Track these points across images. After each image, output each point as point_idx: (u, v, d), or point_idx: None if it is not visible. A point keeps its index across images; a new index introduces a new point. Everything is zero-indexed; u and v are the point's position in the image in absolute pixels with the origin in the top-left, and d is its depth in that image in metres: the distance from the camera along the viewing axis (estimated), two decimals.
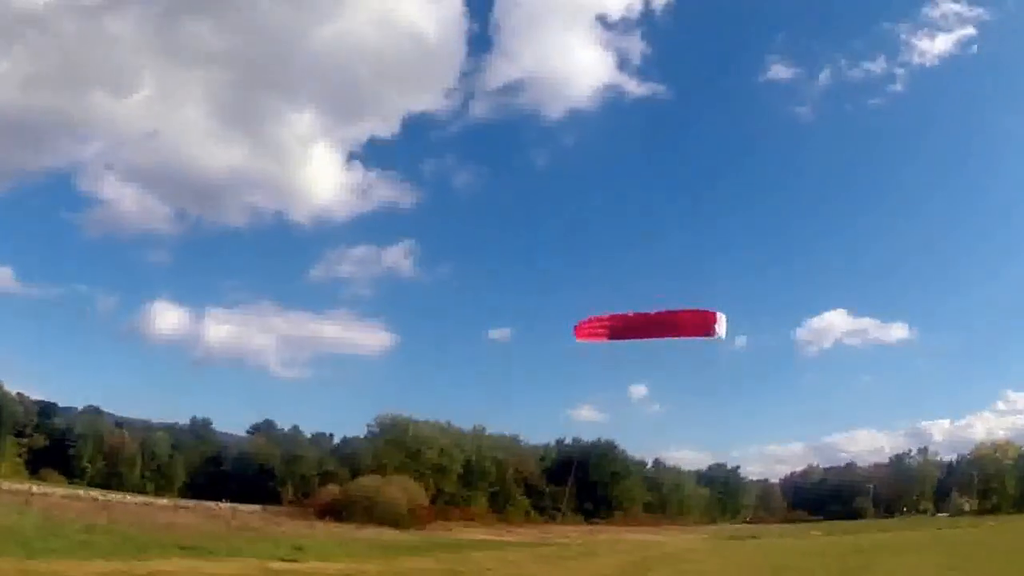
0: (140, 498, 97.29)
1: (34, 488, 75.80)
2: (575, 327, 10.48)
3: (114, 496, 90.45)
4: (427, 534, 77.38)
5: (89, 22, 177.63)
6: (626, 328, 9.98)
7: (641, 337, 10.08)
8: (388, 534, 69.32)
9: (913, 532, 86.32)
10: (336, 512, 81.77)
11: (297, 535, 55.88)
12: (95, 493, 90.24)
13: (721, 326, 7.64)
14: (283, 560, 36.76)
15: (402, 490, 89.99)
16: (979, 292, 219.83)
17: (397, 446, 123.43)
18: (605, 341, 10.23)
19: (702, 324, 9.20)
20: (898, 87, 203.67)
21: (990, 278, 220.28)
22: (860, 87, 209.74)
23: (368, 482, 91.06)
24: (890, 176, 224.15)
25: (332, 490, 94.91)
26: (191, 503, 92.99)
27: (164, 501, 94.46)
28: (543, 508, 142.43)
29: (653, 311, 8.31)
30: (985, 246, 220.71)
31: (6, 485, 76.07)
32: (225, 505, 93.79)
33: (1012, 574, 29.50)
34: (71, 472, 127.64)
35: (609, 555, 52.52)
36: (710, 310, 8.12)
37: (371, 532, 68.99)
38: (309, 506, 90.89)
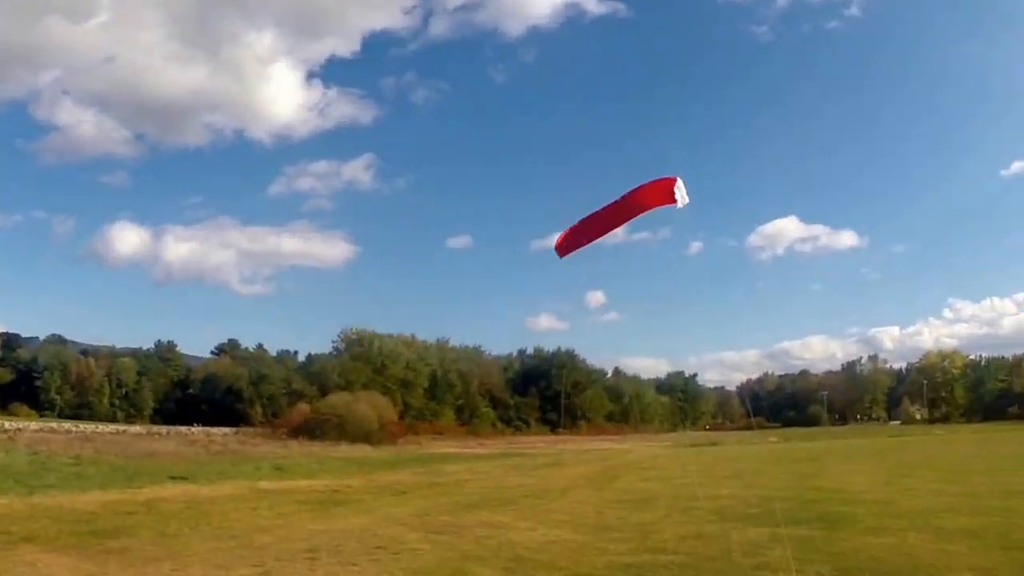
0: (112, 427, 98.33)
1: (7, 424, 76.48)
2: (555, 247, 10.03)
3: (86, 427, 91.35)
4: (399, 449, 79.85)
5: None
6: (598, 223, 9.65)
7: (615, 226, 9.73)
8: (361, 450, 71.35)
9: (864, 440, 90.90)
10: (308, 431, 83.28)
11: (275, 455, 57.59)
12: (68, 425, 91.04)
13: (681, 190, 7.49)
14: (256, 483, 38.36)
15: (371, 406, 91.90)
16: (928, 202, 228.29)
17: (363, 362, 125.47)
18: (586, 246, 9.84)
19: (665, 191, 9.12)
20: (854, 11, 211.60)
21: (938, 189, 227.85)
22: (818, 9, 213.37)
23: (338, 400, 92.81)
24: (844, 92, 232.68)
25: (303, 409, 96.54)
26: (163, 429, 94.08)
27: (137, 428, 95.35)
28: (509, 420, 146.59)
29: (615, 199, 8.20)
30: (934, 158, 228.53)
31: None
32: (197, 429, 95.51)
33: (948, 480, 32.17)
34: (40, 405, 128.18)
35: (577, 464, 54.97)
36: (667, 176, 9.63)
37: (345, 449, 70.84)
38: (281, 426, 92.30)
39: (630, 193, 9.57)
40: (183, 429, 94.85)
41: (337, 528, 20.92)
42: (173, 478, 36.82)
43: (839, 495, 26.06)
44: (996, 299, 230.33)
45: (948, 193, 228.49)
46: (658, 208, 9.78)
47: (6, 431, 65.59)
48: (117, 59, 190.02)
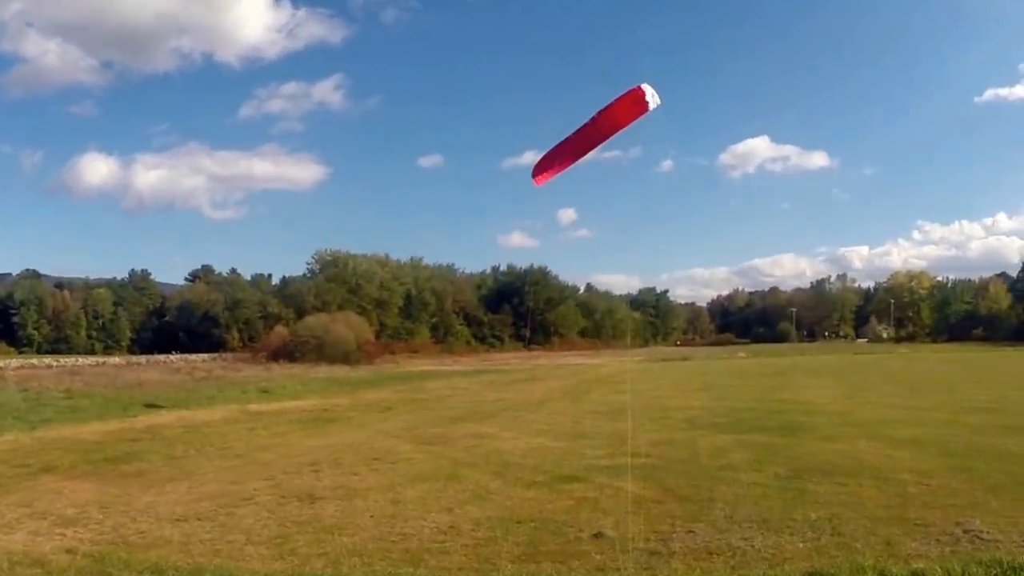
0: (92, 359, 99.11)
1: None
2: (532, 175, 9.56)
3: (67, 360, 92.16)
4: (377, 368, 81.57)
5: None
6: (575, 147, 9.36)
7: (591, 148, 9.36)
8: (341, 370, 73.00)
9: (830, 356, 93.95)
10: (288, 354, 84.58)
11: (258, 379, 59.02)
12: (49, 360, 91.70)
13: (650, 94, 7.42)
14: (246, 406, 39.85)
15: (348, 327, 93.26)
16: (900, 126, 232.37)
17: (338, 283, 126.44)
18: (566, 170, 9.55)
19: (636, 101, 8.69)
20: None
21: (911, 113, 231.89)
22: None
23: (315, 321, 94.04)
24: (818, 11, 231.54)
25: (281, 332, 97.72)
26: (144, 359, 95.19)
27: (118, 359, 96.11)
28: (483, 337, 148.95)
29: (587, 121, 8.28)
30: (907, 82, 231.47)
31: None
32: (177, 357, 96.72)
33: (903, 395, 34.22)
34: (18, 341, 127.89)
35: (551, 379, 56.89)
36: (632, 88, 8.00)
37: (325, 370, 72.42)
38: (260, 350, 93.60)
39: (603, 113, 9.27)
40: (163, 358, 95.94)
41: (333, 443, 22.44)
42: (165, 405, 38.16)
43: (801, 407, 28.02)
44: (965, 222, 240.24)
45: (921, 117, 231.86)
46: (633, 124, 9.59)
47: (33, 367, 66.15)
48: None
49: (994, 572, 7.99)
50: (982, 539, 9.61)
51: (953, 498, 11.98)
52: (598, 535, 10.49)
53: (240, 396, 44.19)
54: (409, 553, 10.12)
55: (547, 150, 9.76)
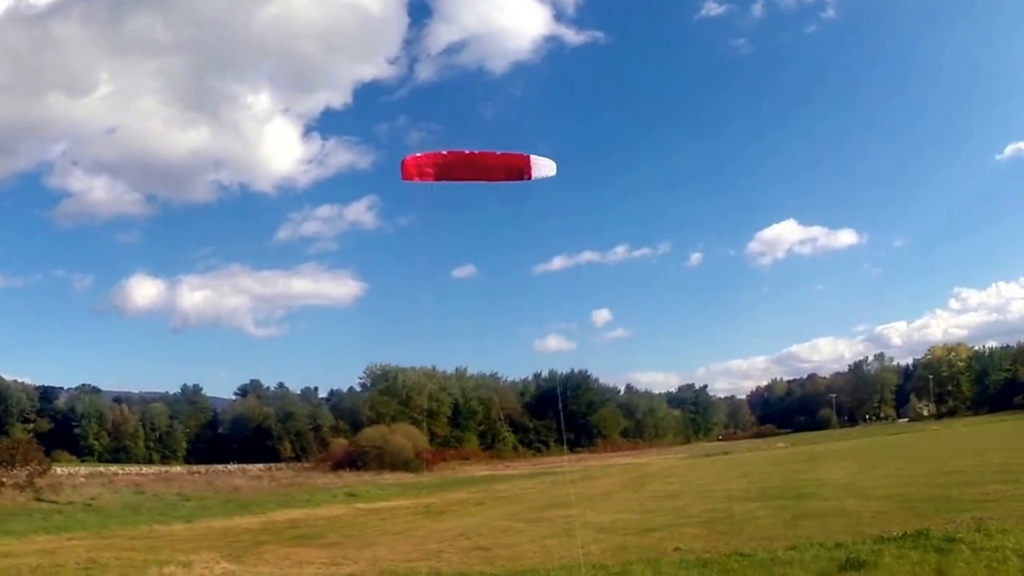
0: (153, 468, 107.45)
1: (81, 471, 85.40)
2: (402, 167, 10.99)
3: (130, 469, 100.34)
4: (438, 474, 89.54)
5: (36, 29, 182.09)
6: (449, 166, 10.51)
7: (464, 178, 10.71)
8: (405, 477, 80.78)
9: (863, 440, 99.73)
10: (351, 463, 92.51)
11: (335, 485, 66.96)
12: (115, 468, 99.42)
13: (539, 168, 10.84)
14: (351, 505, 47.88)
15: (406, 437, 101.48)
16: (924, 194, 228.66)
17: (390, 395, 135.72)
18: (431, 181, 10.71)
19: (517, 166, 10.32)
20: (831, 13, 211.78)
21: (933, 180, 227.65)
22: (794, 16, 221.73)
23: (375, 433, 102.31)
24: (829, 93, 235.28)
25: (341, 443, 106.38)
26: (202, 468, 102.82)
27: (179, 469, 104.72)
28: (529, 442, 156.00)
29: (475, 151, 11.01)
30: (926, 149, 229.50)
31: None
32: (234, 467, 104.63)
33: (904, 467, 41.46)
34: (79, 451, 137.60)
35: (605, 477, 64.36)
36: (524, 154, 10.86)
37: (391, 477, 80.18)
38: (324, 459, 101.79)
39: (488, 154, 10.64)
40: (221, 467, 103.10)
41: (459, 525, 30.66)
42: (289, 506, 46.37)
43: (815, 482, 35.78)
44: (1002, 284, 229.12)
45: (944, 183, 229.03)
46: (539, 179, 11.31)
47: (88, 476, 74.33)
48: (121, 128, 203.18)
49: (839, 556, 15.49)
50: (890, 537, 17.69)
51: (889, 523, 19.96)
52: (677, 549, 18.73)
53: (331, 499, 52.33)
54: (565, 569, 18.24)
55: (430, 154, 11.32)
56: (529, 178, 11.01)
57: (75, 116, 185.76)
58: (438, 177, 11.31)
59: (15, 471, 50.73)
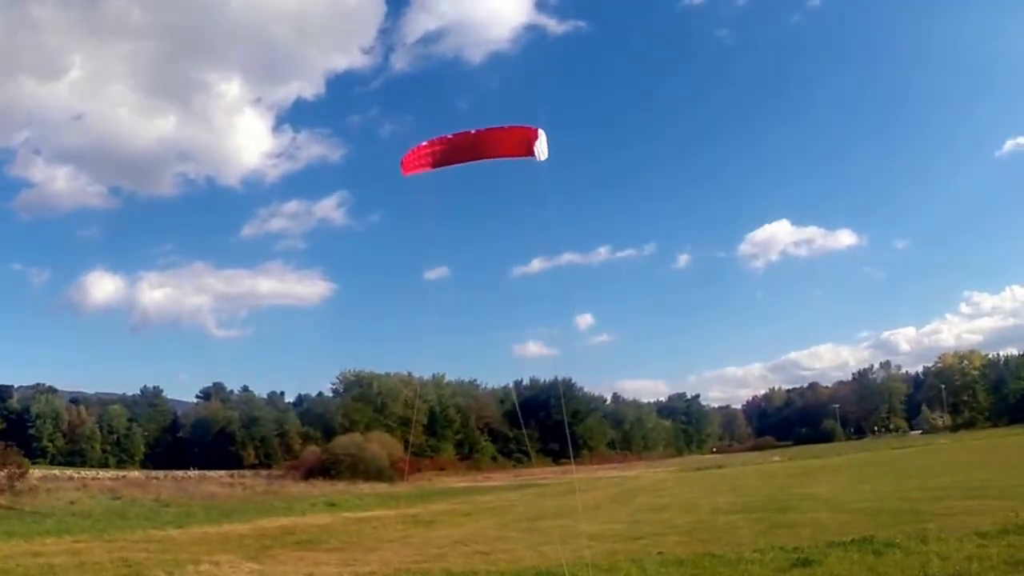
0: (110, 472, 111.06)
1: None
2: (401, 163, 11.30)
3: (87, 473, 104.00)
4: (416, 484, 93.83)
5: (14, 8, 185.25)
6: (450, 151, 10.74)
7: (465, 160, 10.94)
8: (381, 487, 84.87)
9: (864, 454, 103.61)
10: (323, 471, 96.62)
11: (310, 494, 70.87)
12: (70, 472, 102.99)
13: (542, 144, 10.88)
14: (336, 514, 51.88)
15: (381, 445, 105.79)
16: (924, 192, 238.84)
17: (364, 402, 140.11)
18: (431, 170, 11.05)
19: (523, 141, 10.47)
20: (815, 1, 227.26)
21: (933, 177, 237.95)
22: (778, 5, 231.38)
23: (349, 441, 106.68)
24: (823, 86, 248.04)
25: (314, 450, 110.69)
26: (160, 473, 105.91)
27: (136, 473, 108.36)
28: (509, 452, 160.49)
29: (473, 131, 11.19)
30: (924, 145, 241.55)
31: None
32: (194, 473, 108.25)
33: (894, 482, 45.87)
34: (31, 452, 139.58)
35: (593, 490, 68.58)
36: (530, 126, 10.96)
37: (366, 486, 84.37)
38: (295, 467, 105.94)
39: (487, 132, 11.04)
40: (181, 473, 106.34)
41: (453, 533, 34.90)
42: (258, 512, 50.35)
43: (800, 496, 40.31)
44: (1016, 287, 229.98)
45: (944, 180, 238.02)
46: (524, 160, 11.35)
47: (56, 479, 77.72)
48: (87, 115, 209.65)
49: (794, 557, 19.70)
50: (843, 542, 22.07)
51: (849, 532, 24.31)
52: (660, 553, 23.09)
53: (311, 508, 56.45)
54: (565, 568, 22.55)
55: (420, 146, 11.47)
56: (532, 155, 11.38)
57: (43, 101, 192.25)
58: (437, 164, 11.69)
59: None
